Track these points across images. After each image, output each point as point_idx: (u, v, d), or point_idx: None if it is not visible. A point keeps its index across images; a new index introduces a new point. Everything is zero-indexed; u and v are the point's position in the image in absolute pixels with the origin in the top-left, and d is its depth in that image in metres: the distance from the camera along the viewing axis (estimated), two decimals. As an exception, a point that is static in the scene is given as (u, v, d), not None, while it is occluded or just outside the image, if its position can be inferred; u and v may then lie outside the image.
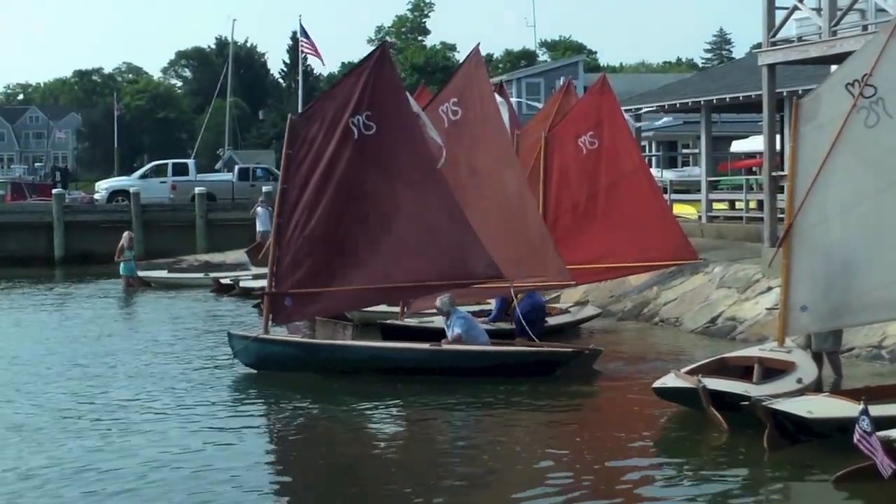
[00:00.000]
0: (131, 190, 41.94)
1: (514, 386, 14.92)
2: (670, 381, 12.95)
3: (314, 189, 16.23)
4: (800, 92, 22.10)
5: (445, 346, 15.78)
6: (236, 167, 50.20)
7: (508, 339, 17.40)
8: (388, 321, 18.39)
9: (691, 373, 13.04)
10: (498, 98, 20.08)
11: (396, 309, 18.99)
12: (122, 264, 30.40)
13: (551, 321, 19.78)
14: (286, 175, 16.42)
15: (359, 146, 16.20)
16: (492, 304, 19.54)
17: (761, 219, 22.31)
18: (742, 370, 13.41)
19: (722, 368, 13.42)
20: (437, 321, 18.47)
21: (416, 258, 16.12)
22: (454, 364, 15.57)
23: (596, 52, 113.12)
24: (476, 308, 19.65)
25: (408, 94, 17.70)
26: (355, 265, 16.15)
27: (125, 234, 31.54)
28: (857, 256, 13.36)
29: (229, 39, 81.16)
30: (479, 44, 19.40)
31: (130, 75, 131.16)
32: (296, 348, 16.31)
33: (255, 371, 16.18)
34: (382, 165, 16.28)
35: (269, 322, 16.25)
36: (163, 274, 31.66)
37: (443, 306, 16.33)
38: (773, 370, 13.28)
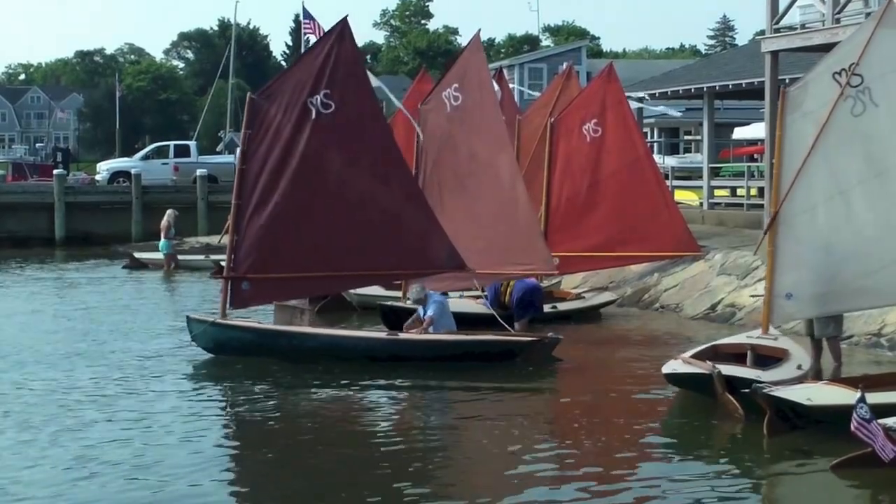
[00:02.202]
0: (133, 171, 41.94)
1: (505, 371, 14.86)
2: (680, 367, 12.92)
3: (272, 171, 15.79)
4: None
5: (402, 336, 15.55)
6: (238, 149, 50.10)
7: (493, 323, 17.42)
8: (389, 304, 18.40)
9: (689, 359, 13.05)
10: (495, 85, 20.07)
11: (396, 293, 18.97)
12: (165, 242, 30.35)
13: (563, 306, 19.85)
14: (245, 156, 16.02)
15: (317, 126, 15.74)
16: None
17: (762, 206, 22.33)
18: (734, 357, 13.45)
19: (716, 355, 13.46)
20: None
21: (377, 246, 15.82)
22: (410, 353, 15.36)
23: (599, 38, 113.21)
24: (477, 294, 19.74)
25: (369, 73, 17.34)
26: (314, 250, 15.76)
27: (169, 211, 31.44)
28: (843, 244, 13.47)
29: (232, 21, 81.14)
30: (479, 30, 19.43)
31: (132, 56, 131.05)
32: (253, 334, 16.01)
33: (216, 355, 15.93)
34: (341, 147, 15.85)
35: (227, 306, 15.91)
36: (160, 256, 31.63)
37: (417, 295, 16.19)
38: (765, 357, 13.38)
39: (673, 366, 13.04)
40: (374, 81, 17.30)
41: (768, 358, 13.34)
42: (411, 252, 16.03)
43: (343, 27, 16.10)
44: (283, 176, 15.79)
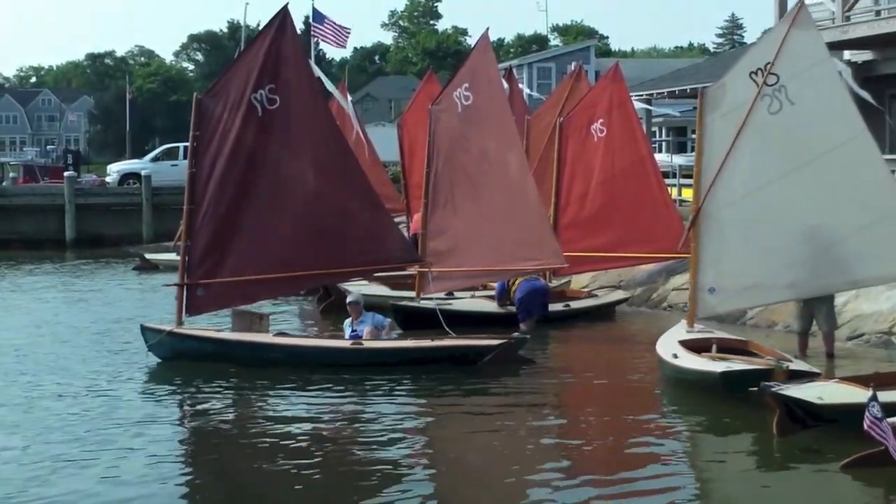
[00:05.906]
0: (143, 173, 42.00)
1: (509, 370, 14.71)
2: (736, 364, 12.84)
3: (222, 172, 15.37)
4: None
5: (366, 344, 15.21)
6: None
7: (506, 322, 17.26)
8: (404, 303, 18.24)
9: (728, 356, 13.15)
10: (504, 84, 20.08)
11: (408, 292, 18.91)
12: None
13: (575, 305, 19.83)
14: (194, 158, 15.58)
15: (262, 124, 15.33)
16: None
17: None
18: (698, 352, 13.48)
19: (691, 350, 13.57)
20: (456, 303, 18.37)
21: (330, 243, 15.47)
22: (374, 360, 14.98)
23: (607, 37, 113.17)
24: (483, 292, 19.73)
25: (312, 64, 16.99)
26: (267, 252, 15.40)
27: None
28: (764, 238, 13.89)
29: (242, 23, 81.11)
30: (487, 29, 19.45)
31: (143, 59, 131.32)
32: (213, 345, 15.52)
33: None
34: (289, 143, 15.44)
35: (183, 314, 15.55)
36: (171, 256, 31.62)
37: (358, 300, 15.98)
38: (730, 349, 13.56)
39: (725, 364, 12.85)
40: (317, 72, 17.09)
41: (733, 350, 13.58)
42: (366, 248, 15.69)
43: (284, 16, 15.56)
44: (231, 177, 15.40)
